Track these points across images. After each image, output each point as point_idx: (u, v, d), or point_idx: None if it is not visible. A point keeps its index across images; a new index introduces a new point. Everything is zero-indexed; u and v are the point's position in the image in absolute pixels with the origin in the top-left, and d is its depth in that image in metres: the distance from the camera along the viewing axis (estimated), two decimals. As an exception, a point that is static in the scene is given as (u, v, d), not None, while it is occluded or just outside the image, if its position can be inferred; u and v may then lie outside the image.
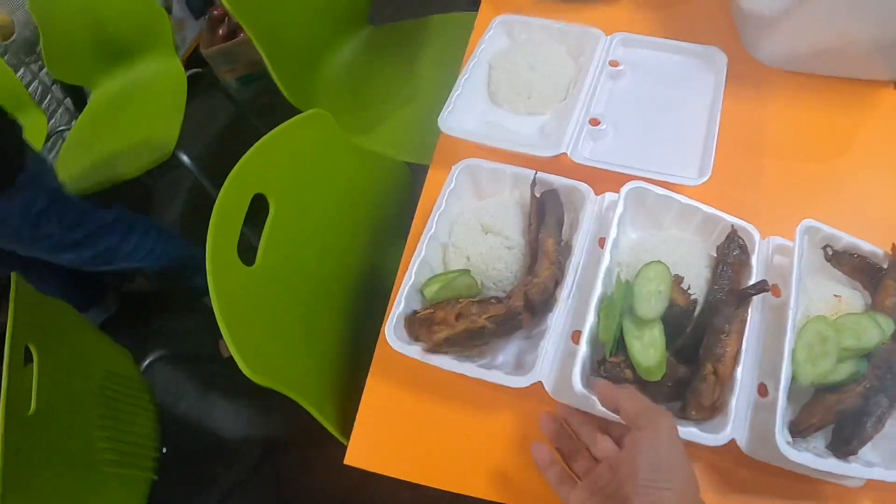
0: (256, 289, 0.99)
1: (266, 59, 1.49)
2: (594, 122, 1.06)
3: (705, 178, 0.95)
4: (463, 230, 0.94)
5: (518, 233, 0.93)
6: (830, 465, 0.73)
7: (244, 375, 0.86)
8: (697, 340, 0.80)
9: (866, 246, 0.88)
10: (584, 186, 0.92)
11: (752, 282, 0.83)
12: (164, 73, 2.15)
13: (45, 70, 2.60)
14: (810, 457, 0.72)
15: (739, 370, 0.77)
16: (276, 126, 1.07)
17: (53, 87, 2.67)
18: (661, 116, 1.09)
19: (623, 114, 1.09)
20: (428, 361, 0.83)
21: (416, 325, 0.84)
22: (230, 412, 1.95)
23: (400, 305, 0.86)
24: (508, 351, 0.88)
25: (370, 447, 0.90)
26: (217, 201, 0.96)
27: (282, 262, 1.05)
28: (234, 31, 2.67)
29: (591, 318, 0.80)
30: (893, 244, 0.86)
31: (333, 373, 1.10)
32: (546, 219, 0.90)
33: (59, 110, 2.71)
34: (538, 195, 0.93)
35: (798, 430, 0.77)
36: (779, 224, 0.90)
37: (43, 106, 2.53)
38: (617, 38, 1.16)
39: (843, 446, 0.75)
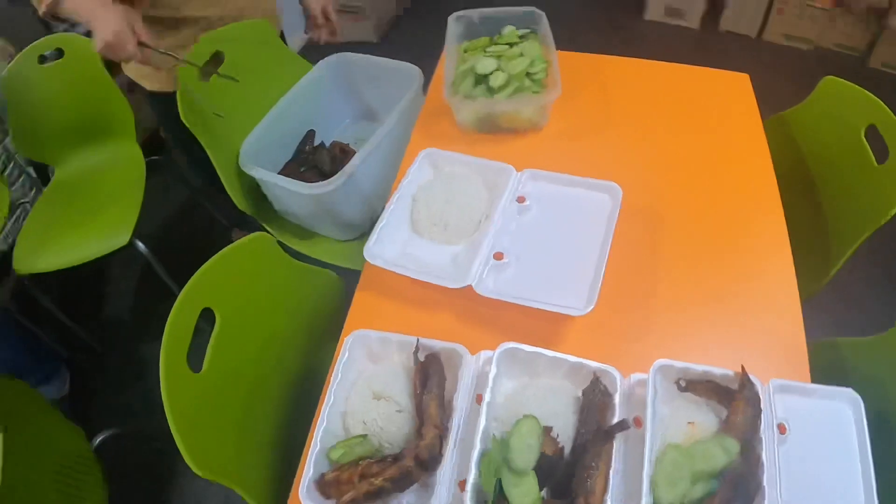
0: (203, 393, 1.10)
1: (218, 170, 1.62)
2: (498, 256, 1.20)
3: (590, 308, 1.08)
4: (358, 398, 1.03)
5: (406, 397, 1.02)
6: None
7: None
8: (569, 476, 0.92)
9: (718, 371, 0.98)
10: (461, 348, 1.03)
11: (615, 419, 0.96)
12: (124, 159, 2.27)
13: (7, 138, 2.69)
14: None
15: (608, 499, 0.89)
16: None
17: (17, 155, 2.73)
18: (560, 248, 1.23)
19: (526, 246, 1.23)
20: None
21: (326, 486, 0.95)
22: (178, 491, 2.03)
23: (309, 471, 0.94)
24: (406, 499, 0.96)
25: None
26: (170, 318, 1.07)
27: (226, 368, 1.16)
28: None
29: (473, 472, 0.89)
30: (742, 366, 0.97)
31: (270, 464, 1.22)
32: (428, 383, 1.02)
33: (21, 178, 2.77)
34: (421, 360, 1.05)
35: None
36: (644, 359, 1.02)
37: (6, 173, 2.61)
38: (526, 174, 1.31)
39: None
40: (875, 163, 1.38)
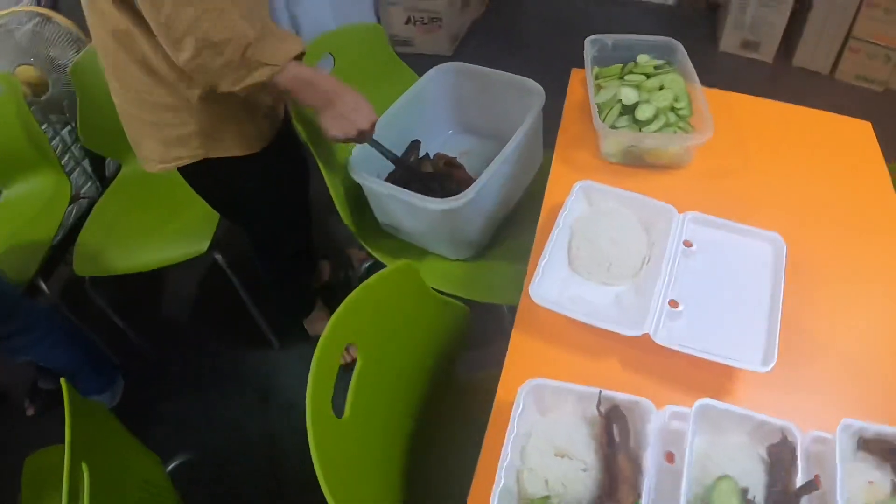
0: (347, 437, 1.04)
1: (328, 180, 1.55)
2: (673, 304, 1.13)
3: (769, 367, 1.02)
4: (536, 454, 0.95)
5: (591, 453, 0.94)
6: None
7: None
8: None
9: (888, 429, 0.94)
10: (646, 402, 0.96)
11: (797, 476, 0.90)
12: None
13: (66, 129, 2.60)
14: None
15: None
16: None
17: (73, 147, 2.65)
18: (730, 297, 1.17)
19: (697, 294, 1.16)
20: None
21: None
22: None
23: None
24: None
25: None
26: (315, 358, 1.00)
27: (367, 409, 1.10)
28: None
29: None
30: None
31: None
32: (618, 440, 0.95)
33: (77, 170, 2.70)
34: (604, 413, 0.97)
35: None
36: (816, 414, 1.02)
37: (62, 163, 2.54)
38: (688, 217, 1.24)
39: None
40: None
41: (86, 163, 2.73)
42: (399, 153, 1.82)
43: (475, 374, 1.50)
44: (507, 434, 0.94)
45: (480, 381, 1.41)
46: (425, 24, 3.34)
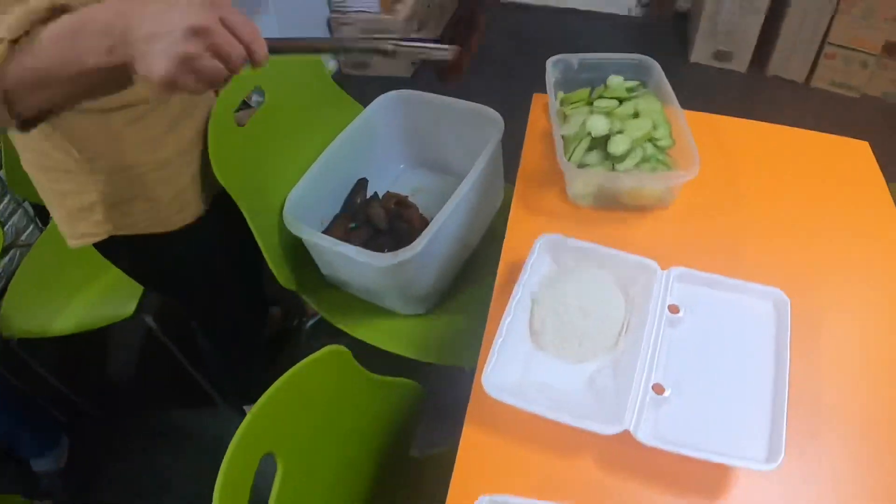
0: None
1: (257, 235, 1.34)
2: (658, 389, 0.92)
3: (775, 465, 0.82)
4: None
5: None
6: None
7: None
8: None
9: None
10: None
11: None
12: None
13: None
14: None
15: None
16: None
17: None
18: (725, 373, 0.97)
19: (685, 373, 0.96)
20: None
21: None
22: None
23: None
24: None
25: None
26: (221, 470, 0.80)
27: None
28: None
29: None
30: None
31: None
32: None
33: (18, 212, 2.45)
34: None
35: None
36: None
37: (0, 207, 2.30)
38: (673, 274, 1.04)
39: None
40: None
41: (27, 205, 2.49)
42: (342, 195, 1.61)
43: (432, 451, 1.30)
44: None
45: (438, 458, 1.24)
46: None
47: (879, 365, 1.04)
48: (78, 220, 1.18)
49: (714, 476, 0.90)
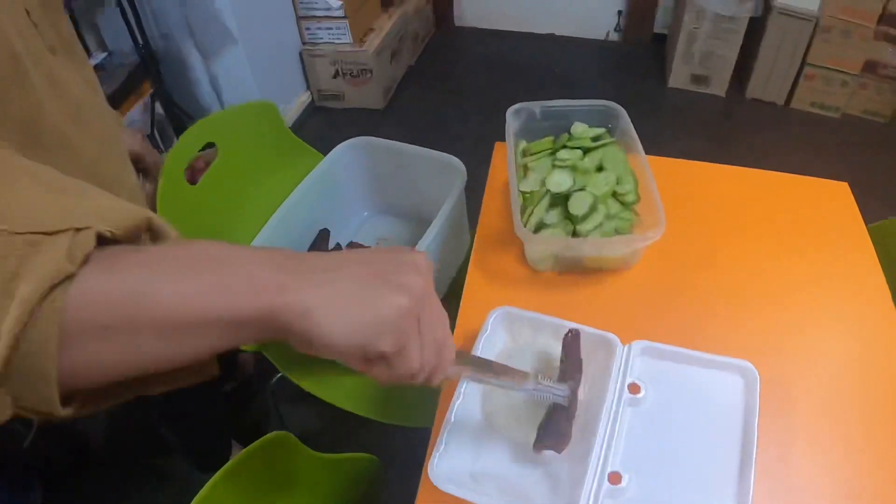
0: None
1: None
2: (614, 478, 0.87)
3: None
4: None
5: None
6: None
7: None
8: None
9: None
10: None
11: None
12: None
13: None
14: None
15: None
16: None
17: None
18: (688, 454, 0.91)
19: (644, 458, 0.90)
20: None
21: None
22: None
23: None
24: None
25: None
26: None
27: None
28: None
29: None
30: None
31: None
32: None
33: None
34: None
35: None
36: None
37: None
38: (635, 349, 0.99)
39: None
40: None
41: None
42: (304, 247, 1.56)
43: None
44: None
45: None
46: (355, 76, 3.08)
47: (853, 438, 0.98)
48: None
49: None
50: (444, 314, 0.57)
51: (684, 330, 1.08)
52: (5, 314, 0.35)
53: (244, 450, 0.89)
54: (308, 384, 1.43)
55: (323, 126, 3.12)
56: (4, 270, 0.35)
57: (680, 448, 0.92)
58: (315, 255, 0.49)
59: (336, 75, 3.10)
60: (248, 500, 0.90)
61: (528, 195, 1.22)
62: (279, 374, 1.94)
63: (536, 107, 1.39)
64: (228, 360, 1.97)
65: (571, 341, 0.94)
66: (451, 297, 1.52)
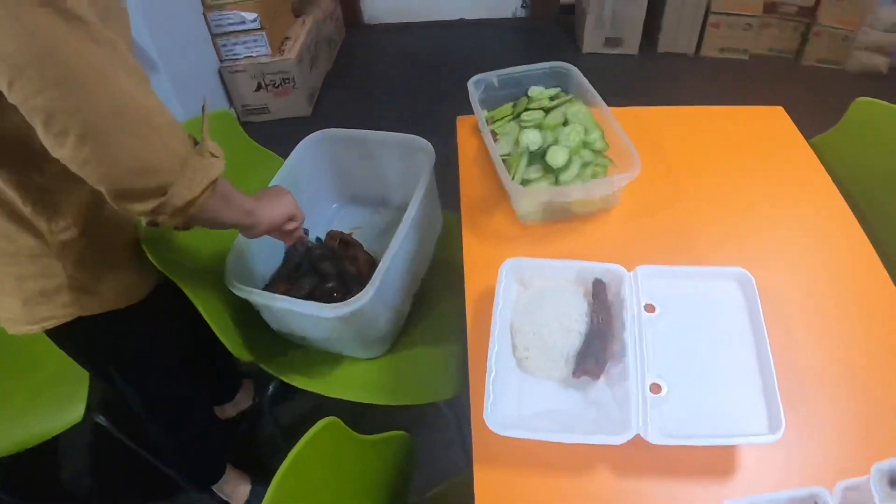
0: None
1: (205, 315, 1.28)
2: (655, 388, 0.93)
3: (779, 435, 0.86)
4: None
5: None
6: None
7: None
8: None
9: None
10: None
11: None
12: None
13: None
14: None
15: None
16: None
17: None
18: (711, 359, 0.98)
19: (675, 368, 0.97)
20: None
21: None
22: None
23: None
24: None
25: None
26: None
27: None
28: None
29: None
30: None
31: None
32: None
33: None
34: None
35: None
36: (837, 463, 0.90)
37: None
38: (640, 273, 1.05)
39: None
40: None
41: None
42: (280, 247, 1.56)
43: (427, 493, 1.29)
44: None
45: (435, 499, 1.24)
46: (277, 87, 3.07)
47: (843, 317, 1.09)
48: (38, 306, 1.10)
49: (721, 458, 0.92)
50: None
51: (672, 252, 1.15)
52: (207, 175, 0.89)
53: (301, 440, 0.90)
54: (311, 385, 1.44)
55: (255, 140, 3.07)
56: (208, 166, 0.89)
57: (703, 352, 0.99)
58: (261, 194, 1.15)
59: (259, 88, 3.07)
60: (309, 491, 0.91)
61: (506, 157, 1.27)
62: (271, 388, 1.93)
63: (493, 76, 1.45)
64: (231, 383, 1.96)
65: (598, 289, 1.02)
66: (436, 268, 1.57)
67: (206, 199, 0.90)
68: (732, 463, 0.92)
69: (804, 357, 1.03)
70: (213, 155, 0.90)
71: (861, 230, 1.21)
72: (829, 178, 1.33)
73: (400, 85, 3.45)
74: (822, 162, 1.37)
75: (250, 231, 1.12)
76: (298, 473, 0.87)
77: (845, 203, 1.27)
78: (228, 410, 2.01)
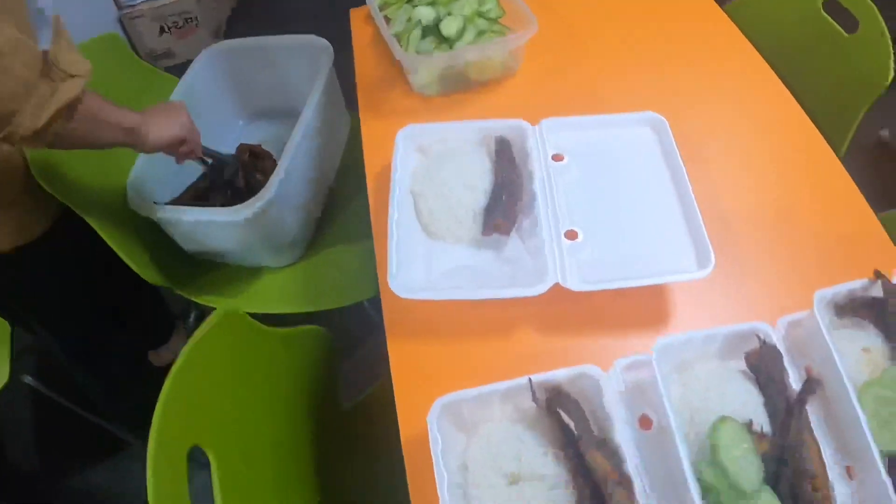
0: None
1: (105, 236, 1.20)
2: (571, 234, 0.89)
3: (709, 270, 0.82)
4: (484, 492, 0.70)
5: (550, 463, 0.71)
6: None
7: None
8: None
9: (855, 284, 0.81)
10: (590, 370, 0.72)
11: (789, 378, 0.73)
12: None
13: None
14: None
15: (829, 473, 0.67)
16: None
17: None
18: (629, 204, 0.95)
19: (590, 215, 0.93)
20: None
21: None
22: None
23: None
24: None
25: None
26: (148, 477, 0.69)
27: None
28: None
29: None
30: (875, 270, 0.80)
31: None
32: (577, 431, 0.70)
33: None
34: (546, 405, 0.72)
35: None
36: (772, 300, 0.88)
37: None
38: (544, 126, 1.00)
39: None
40: (845, 34, 1.24)
41: None
42: (190, 170, 1.47)
43: (360, 396, 1.23)
44: (437, 483, 0.66)
45: (369, 400, 1.19)
46: (180, 27, 2.92)
47: (766, 161, 1.06)
48: None
49: (652, 303, 0.89)
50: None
51: (581, 109, 1.09)
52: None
53: (198, 330, 0.84)
54: (230, 302, 1.38)
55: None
56: (59, 90, 0.80)
57: (621, 198, 0.95)
58: (150, 109, 1.05)
59: (162, 31, 2.92)
60: (212, 388, 0.85)
61: (399, 33, 1.20)
62: (192, 317, 1.87)
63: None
64: (162, 326, 1.88)
65: (502, 146, 0.97)
66: (345, 175, 1.51)
67: (61, 125, 0.83)
68: (665, 308, 0.88)
69: (727, 200, 1.00)
70: (70, 76, 0.82)
71: (774, 74, 1.19)
72: (735, 27, 1.29)
73: (305, 5, 3.29)
74: (744, 21, 1.34)
75: (136, 149, 1.04)
76: (196, 368, 0.81)
77: (754, 48, 1.24)
78: (164, 356, 1.93)
